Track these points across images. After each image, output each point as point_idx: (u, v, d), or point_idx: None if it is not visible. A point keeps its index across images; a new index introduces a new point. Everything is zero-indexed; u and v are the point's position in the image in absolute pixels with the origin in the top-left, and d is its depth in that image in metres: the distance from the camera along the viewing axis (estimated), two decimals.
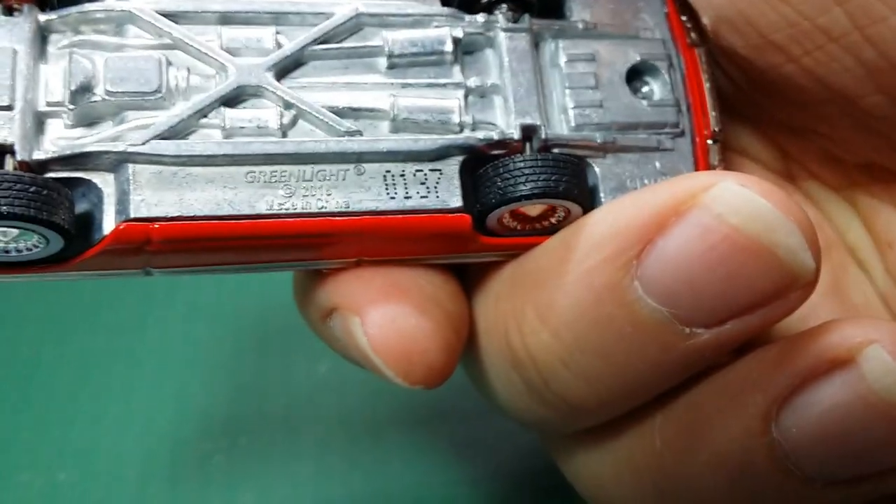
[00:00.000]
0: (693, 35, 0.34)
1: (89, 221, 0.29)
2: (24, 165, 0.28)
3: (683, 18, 0.34)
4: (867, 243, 0.38)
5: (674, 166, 0.33)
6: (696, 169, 0.33)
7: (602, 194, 0.32)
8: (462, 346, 0.32)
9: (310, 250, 0.31)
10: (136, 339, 0.53)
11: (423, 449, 0.48)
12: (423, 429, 0.48)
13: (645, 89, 0.34)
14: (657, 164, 0.33)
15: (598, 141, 0.32)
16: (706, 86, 0.34)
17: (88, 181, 0.29)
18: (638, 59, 0.33)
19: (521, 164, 0.30)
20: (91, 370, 0.51)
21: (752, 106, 0.38)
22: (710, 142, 0.33)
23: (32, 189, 0.27)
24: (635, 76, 0.34)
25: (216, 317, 0.53)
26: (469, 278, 0.34)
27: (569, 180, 0.30)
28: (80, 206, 0.29)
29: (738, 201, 0.26)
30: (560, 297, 0.29)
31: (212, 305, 0.53)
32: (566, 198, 0.30)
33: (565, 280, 0.29)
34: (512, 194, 0.30)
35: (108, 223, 0.29)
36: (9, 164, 0.28)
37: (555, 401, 0.31)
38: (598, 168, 0.32)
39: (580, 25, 0.33)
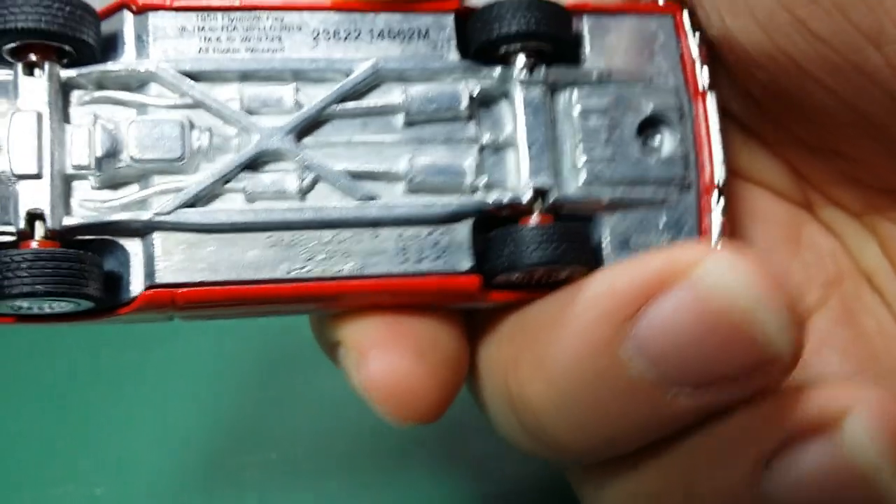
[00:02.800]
0: (707, 77, 0.35)
1: (118, 280, 0.30)
2: (54, 232, 0.29)
3: (697, 62, 0.35)
4: (886, 269, 0.39)
5: (678, 221, 0.34)
6: (699, 224, 0.34)
7: (606, 251, 0.33)
8: (460, 383, 0.34)
9: (326, 305, 0.32)
10: (168, 352, 0.54)
11: (454, 462, 0.49)
12: (453, 442, 0.49)
13: (655, 140, 0.34)
14: (662, 220, 0.34)
15: (607, 199, 0.33)
16: (715, 135, 0.34)
17: (116, 242, 0.30)
18: (650, 111, 0.34)
19: (530, 234, 0.31)
20: (125, 383, 0.53)
21: (773, 125, 0.38)
22: (715, 193, 0.34)
23: (66, 266, 0.28)
24: (646, 126, 0.34)
25: (246, 330, 0.54)
26: (475, 317, 0.35)
27: (577, 248, 0.32)
28: (109, 265, 0.30)
29: (726, 278, 0.27)
30: (556, 348, 0.31)
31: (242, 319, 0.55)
32: (572, 264, 0.31)
33: (562, 333, 0.30)
34: (520, 262, 0.31)
35: (136, 286, 0.30)
36: (39, 229, 0.29)
37: (549, 442, 0.33)
38: (605, 224, 0.33)
39: (595, 74, 0.34)
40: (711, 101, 0.35)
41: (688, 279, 0.28)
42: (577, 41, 0.34)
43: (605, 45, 0.34)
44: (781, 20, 0.32)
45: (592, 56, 0.34)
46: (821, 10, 0.31)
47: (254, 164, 0.31)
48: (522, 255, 0.31)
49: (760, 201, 0.40)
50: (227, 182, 0.31)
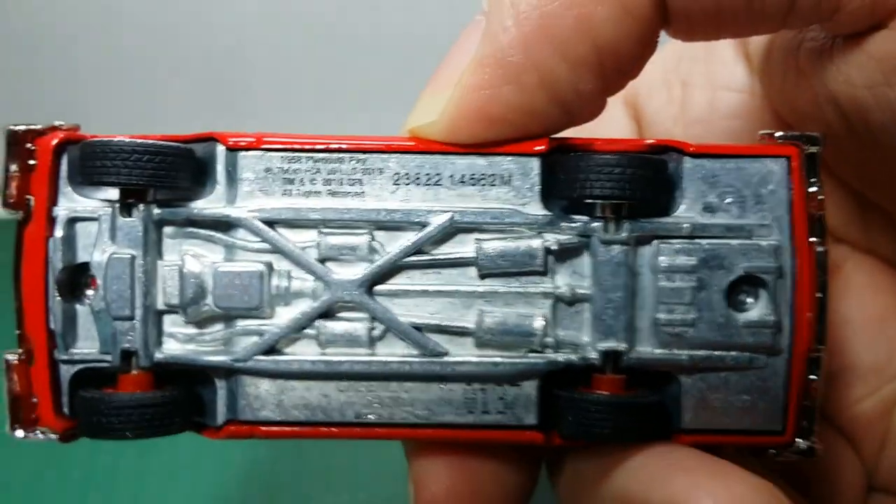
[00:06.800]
0: (819, 231, 0.32)
1: (210, 402, 0.33)
2: (146, 368, 0.32)
3: (809, 213, 0.32)
4: None
5: (763, 385, 0.32)
6: (787, 391, 0.32)
7: (684, 410, 0.32)
8: None
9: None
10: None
11: None
12: None
13: (746, 301, 0.32)
14: (746, 383, 0.32)
15: (685, 363, 0.32)
16: (818, 299, 0.32)
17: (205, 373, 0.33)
18: (742, 272, 0.32)
19: (598, 407, 0.31)
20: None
21: (891, 198, 0.37)
22: (811, 356, 0.32)
23: (151, 411, 0.31)
24: (738, 284, 0.32)
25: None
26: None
27: (646, 424, 0.31)
28: (200, 389, 0.33)
29: None
30: None
31: None
32: (636, 440, 0.31)
33: None
34: (584, 434, 0.31)
35: (221, 415, 0.33)
36: (134, 363, 0.32)
37: None
38: (682, 382, 0.32)
39: (686, 226, 0.32)
40: (822, 257, 0.32)
41: None
42: (672, 184, 0.32)
43: (704, 192, 0.32)
44: None
45: (688, 202, 0.32)
46: None
47: (327, 312, 0.32)
48: (589, 427, 0.31)
49: (876, 272, 0.40)
50: (301, 329, 0.32)
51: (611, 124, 0.39)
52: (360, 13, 0.66)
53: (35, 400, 0.32)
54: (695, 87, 0.40)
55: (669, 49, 0.41)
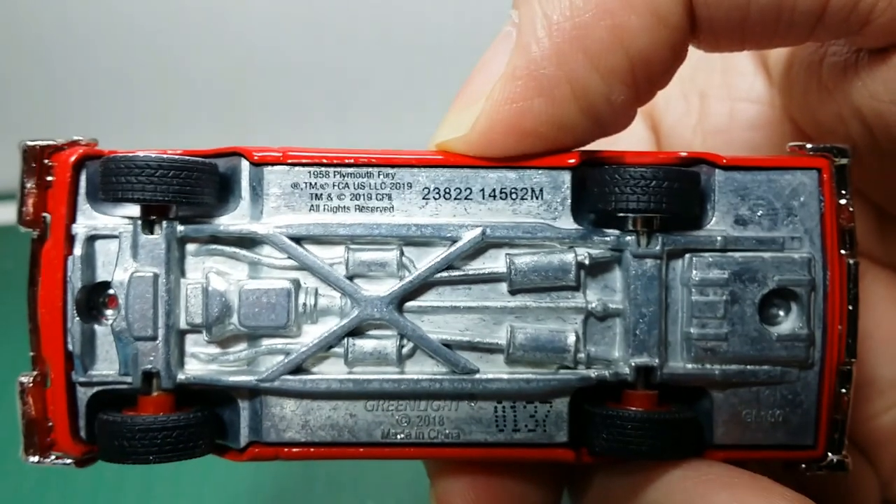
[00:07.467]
0: (850, 243, 0.32)
1: (231, 423, 0.32)
2: (168, 389, 0.31)
3: (840, 224, 0.32)
4: None
5: (794, 399, 0.32)
6: (819, 406, 0.32)
7: (716, 425, 0.32)
8: None
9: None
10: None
11: None
12: None
13: (779, 315, 0.32)
14: (778, 396, 0.32)
15: (718, 378, 0.32)
16: (849, 310, 0.32)
17: (226, 393, 0.32)
18: (775, 286, 0.31)
19: (633, 424, 0.30)
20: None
21: None
22: (842, 369, 0.32)
23: (175, 434, 0.30)
24: (769, 297, 0.32)
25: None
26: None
27: (678, 440, 0.31)
28: (222, 409, 0.32)
29: None
30: None
31: None
32: (671, 457, 0.31)
33: None
34: (620, 452, 0.31)
35: (244, 436, 0.32)
36: (155, 384, 0.31)
37: None
38: (714, 397, 0.32)
39: (719, 239, 0.32)
40: (853, 269, 0.32)
41: None
42: (704, 196, 0.32)
43: (736, 204, 0.32)
44: None
45: (719, 215, 0.32)
46: None
47: (356, 330, 0.31)
48: (626, 444, 0.30)
49: (894, 285, 0.40)
50: (329, 348, 0.31)
51: (629, 135, 0.39)
52: (371, 22, 0.65)
53: (51, 424, 0.31)
54: (713, 99, 0.40)
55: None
